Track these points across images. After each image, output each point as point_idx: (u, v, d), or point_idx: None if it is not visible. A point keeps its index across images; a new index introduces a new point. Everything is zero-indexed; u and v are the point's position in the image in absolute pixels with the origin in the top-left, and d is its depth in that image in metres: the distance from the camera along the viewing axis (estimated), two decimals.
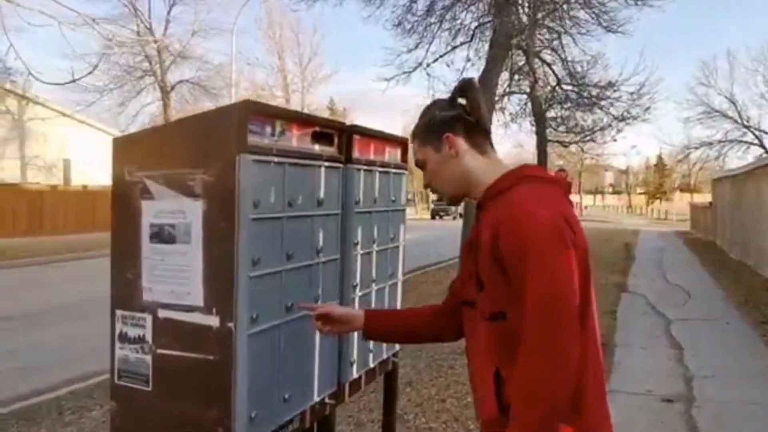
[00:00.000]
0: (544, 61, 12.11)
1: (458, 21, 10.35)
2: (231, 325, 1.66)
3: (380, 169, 2.42)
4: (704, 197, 47.88)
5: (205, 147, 1.70)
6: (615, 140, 15.00)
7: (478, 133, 1.54)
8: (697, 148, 31.24)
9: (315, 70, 34.37)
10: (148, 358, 1.80)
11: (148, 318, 1.80)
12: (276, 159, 1.76)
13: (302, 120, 1.93)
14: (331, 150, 2.09)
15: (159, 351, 1.79)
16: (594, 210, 59.83)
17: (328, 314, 1.78)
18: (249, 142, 1.65)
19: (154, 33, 23.42)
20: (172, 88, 25.35)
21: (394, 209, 2.59)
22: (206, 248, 1.70)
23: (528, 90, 14.03)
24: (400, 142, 2.64)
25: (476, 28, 10.39)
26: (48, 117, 21.58)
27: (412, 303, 3.14)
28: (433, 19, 10.05)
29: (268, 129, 1.77)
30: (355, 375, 2.34)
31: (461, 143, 1.52)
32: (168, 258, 1.76)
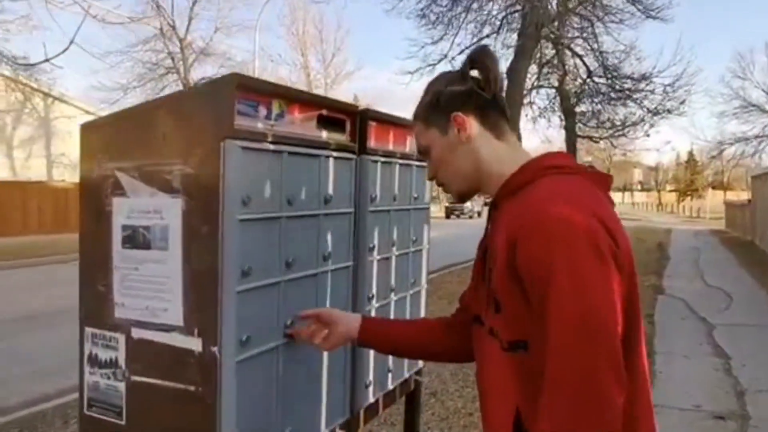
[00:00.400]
0: (574, 53, 11.63)
1: (485, 11, 9.96)
2: (215, 349, 1.35)
3: (401, 160, 2.09)
4: (738, 195, 46.47)
5: (185, 132, 1.39)
6: (648, 135, 14.47)
7: (494, 112, 1.25)
8: (732, 144, 30.16)
9: (338, 66, 34.13)
10: (122, 386, 1.51)
11: (121, 338, 1.50)
12: (272, 147, 1.45)
13: (306, 100, 1.61)
14: (341, 138, 1.77)
15: (133, 378, 1.49)
16: (622, 208, 58.59)
17: (319, 316, 1.51)
18: (236, 126, 1.34)
19: (177, 30, 23.41)
20: (195, 85, 25.34)
21: (417, 207, 2.26)
22: (186, 256, 1.39)
23: (557, 84, 13.57)
24: None
25: (504, 18, 9.97)
26: (73, 115, 21.70)
27: (435, 304, 2.81)
28: (459, 10, 9.67)
29: (263, 110, 1.45)
30: (372, 399, 2.02)
31: (473, 125, 1.23)
32: (142, 267, 1.46)
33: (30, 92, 20.33)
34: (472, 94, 1.22)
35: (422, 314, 2.40)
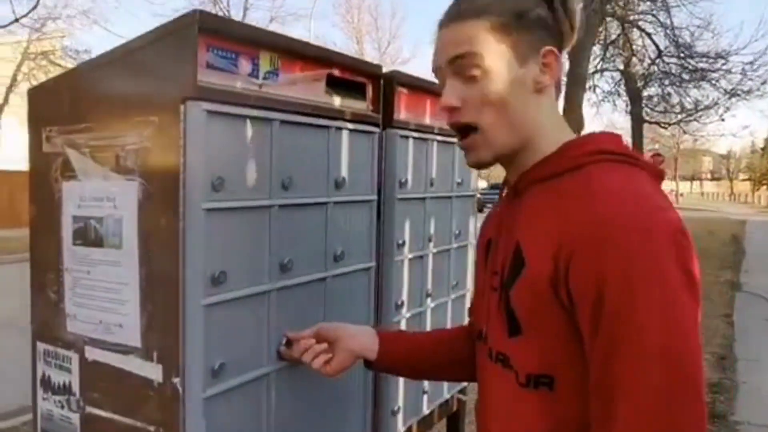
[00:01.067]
0: (643, 30, 10.82)
1: None
2: (177, 381, 1.02)
3: (440, 137, 1.71)
4: None
5: (139, 94, 1.05)
6: (723, 119, 13.39)
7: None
8: None
9: (394, 54, 33.56)
10: (76, 417, 1.20)
11: (74, 358, 1.19)
12: (258, 113, 1.09)
13: (309, 55, 1.24)
14: (360, 106, 1.40)
15: (88, 409, 1.18)
16: (691, 198, 55.94)
17: (317, 334, 1.15)
18: (200, 82, 0.99)
19: (233, 19, 23.56)
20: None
21: (461, 194, 1.87)
22: (143, 256, 1.06)
23: (622, 66, 12.75)
24: None
25: None
26: None
27: None
28: None
29: (245, 65, 1.09)
30: (402, 429, 1.65)
31: (557, 72, 0.88)
32: (95, 270, 1.14)
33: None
34: (560, 33, 0.88)
35: (465, 322, 2.02)
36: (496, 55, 0.84)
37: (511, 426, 0.86)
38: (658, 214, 0.75)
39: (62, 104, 1.17)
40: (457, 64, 0.86)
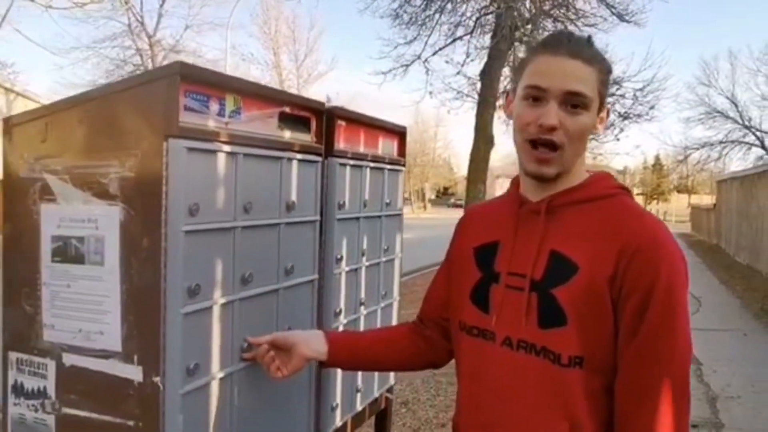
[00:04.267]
0: None
1: (459, 12, 9.86)
2: (157, 379, 1.18)
3: (372, 163, 1.94)
4: (701, 198, 47.44)
5: (124, 130, 1.21)
6: (618, 139, 14.48)
7: None
8: (697, 149, 30.69)
9: (311, 67, 33.62)
10: (51, 419, 1.32)
11: (51, 365, 1.31)
12: (225, 148, 1.28)
13: (266, 96, 1.44)
14: (306, 138, 1.61)
15: (65, 410, 1.30)
16: None
17: (273, 342, 1.35)
18: (182, 123, 1.17)
19: (146, 27, 22.84)
20: (134, 73, 24.79)
21: (389, 213, 2.10)
22: (125, 272, 1.21)
23: None
24: (396, 132, 2.16)
25: (477, 19, 9.90)
26: None
27: (405, 308, 2.65)
28: (432, 10, 9.56)
29: (214, 106, 1.28)
30: (339, 423, 1.86)
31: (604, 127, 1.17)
32: (75, 284, 1.27)
33: None
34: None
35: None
36: (591, 99, 1.07)
37: (554, 399, 1.05)
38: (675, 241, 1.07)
39: (42, 133, 1.30)
40: (570, 97, 1.05)
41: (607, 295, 1.02)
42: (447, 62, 10.37)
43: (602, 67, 1.09)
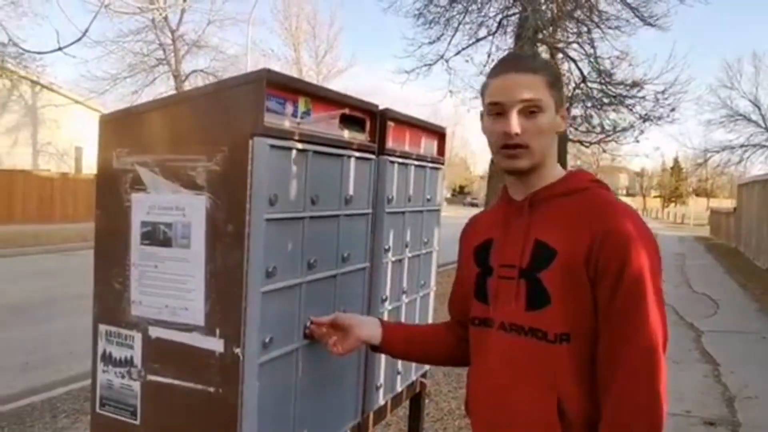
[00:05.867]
0: (569, 57, 11.66)
1: (482, 13, 9.95)
2: (238, 351, 1.33)
3: (416, 162, 2.08)
4: (720, 202, 46.97)
5: (212, 128, 1.36)
6: (638, 141, 14.49)
7: None
8: (717, 152, 30.46)
9: (330, 63, 33.83)
10: (136, 385, 1.47)
11: (137, 337, 1.47)
12: (299, 145, 1.42)
13: (331, 99, 1.58)
14: (361, 137, 1.75)
15: (150, 377, 1.46)
16: None
17: (334, 321, 1.49)
18: (266, 123, 1.31)
19: (169, 22, 23.13)
20: (186, 77, 25.03)
21: (430, 209, 2.24)
22: (209, 254, 1.36)
23: None
24: (437, 133, 2.30)
25: (501, 20, 9.97)
26: (61, 104, 21.38)
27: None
28: (456, 10, 9.66)
29: (290, 108, 1.42)
30: (381, 402, 2.00)
31: (566, 124, 1.33)
32: (162, 265, 1.42)
33: (17, 80, 19.96)
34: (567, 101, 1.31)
35: (430, 316, 2.39)
36: (546, 101, 1.22)
37: (532, 376, 1.20)
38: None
39: (135, 130, 1.46)
40: (525, 105, 1.21)
41: (584, 274, 1.15)
42: (467, 61, 10.48)
43: (548, 72, 1.25)
